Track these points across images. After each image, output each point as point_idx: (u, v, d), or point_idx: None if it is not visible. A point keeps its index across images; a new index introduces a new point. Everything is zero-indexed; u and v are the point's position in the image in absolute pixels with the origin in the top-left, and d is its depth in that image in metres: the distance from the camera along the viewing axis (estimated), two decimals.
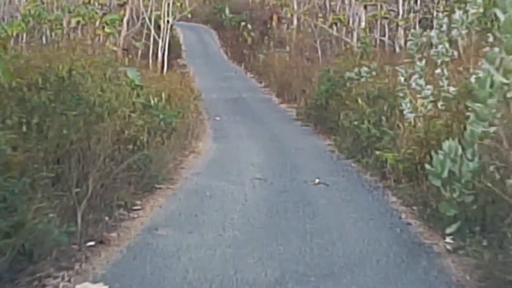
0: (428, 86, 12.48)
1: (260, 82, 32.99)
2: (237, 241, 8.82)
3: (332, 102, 21.04)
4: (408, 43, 13.94)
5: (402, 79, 13.32)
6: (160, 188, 12.24)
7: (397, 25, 33.57)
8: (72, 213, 8.48)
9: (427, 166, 7.76)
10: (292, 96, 28.09)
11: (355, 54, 29.47)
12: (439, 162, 7.46)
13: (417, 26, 30.89)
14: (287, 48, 35.18)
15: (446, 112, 11.79)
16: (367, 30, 32.60)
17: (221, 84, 32.81)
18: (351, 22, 34.18)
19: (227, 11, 45.68)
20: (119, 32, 24.32)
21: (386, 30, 34.09)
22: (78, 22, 22.59)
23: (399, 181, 12.40)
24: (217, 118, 24.06)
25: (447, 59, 12.56)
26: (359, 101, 15.77)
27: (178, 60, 38.20)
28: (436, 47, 12.82)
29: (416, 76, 12.93)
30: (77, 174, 8.61)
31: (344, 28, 34.55)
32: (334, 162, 16.03)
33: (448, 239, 8.46)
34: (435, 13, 29.89)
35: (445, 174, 7.43)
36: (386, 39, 32.05)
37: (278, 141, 19.54)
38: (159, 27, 27.88)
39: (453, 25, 13.04)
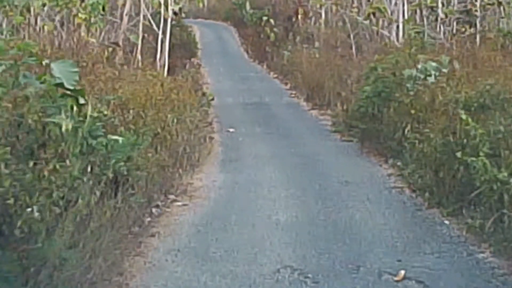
0: None
1: (285, 84, 25.79)
2: None
3: (387, 110, 14.04)
4: None
5: None
6: None
7: (436, 18, 26.54)
8: None
9: None
10: (325, 100, 20.98)
11: (398, 49, 22.73)
12: None
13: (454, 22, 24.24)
14: (316, 44, 28.07)
15: None
16: (410, 21, 25.54)
17: (240, 86, 25.72)
18: (389, 12, 27.25)
19: (247, 6, 39.06)
20: (106, 20, 17.34)
21: (425, 23, 27.23)
22: (44, 5, 15.74)
23: None
24: (231, 130, 17.08)
25: None
26: (463, 116, 8.62)
27: (193, 59, 31.33)
28: None
29: None
30: None
31: (380, 21, 27.53)
32: (412, 215, 8.99)
33: None
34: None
35: None
36: (425, 30, 24.92)
37: (314, 167, 12.56)
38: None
39: None
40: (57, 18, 16.72)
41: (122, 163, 6.47)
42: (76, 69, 7.15)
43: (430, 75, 13.60)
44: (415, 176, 10.72)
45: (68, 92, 6.96)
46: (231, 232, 7.93)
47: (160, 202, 9.05)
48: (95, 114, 6.38)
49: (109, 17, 19.12)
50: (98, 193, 5.71)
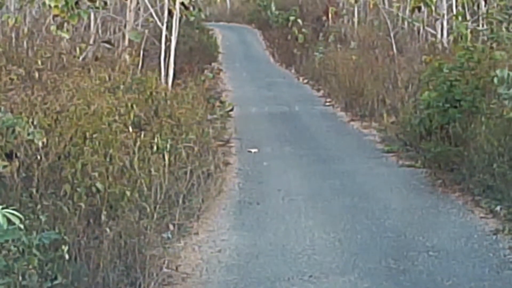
0: None
1: (318, 90, 20.91)
2: None
3: (473, 127, 9.25)
4: None
5: None
6: None
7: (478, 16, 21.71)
8: None
9: None
10: (367, 110, 16.17)
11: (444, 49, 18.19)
12: None
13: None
14: (352, 44, 23.26)
15: None
16: (460, 16, 20.68)
17: (265, 93, 20.93)
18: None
19: (273, 7, 34.60)
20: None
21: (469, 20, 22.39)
22: None
23: None
24: (253, 151, 12.32)
25: None
26: None
27: (213, 64, 26.69)
28: None
29: None
30: None
31: (424, 17, 22.71)
32: None
33: None
34: None
35: None
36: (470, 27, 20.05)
37: (376, 217, 7.76)
38: (169, 12, 16.06)
39: None
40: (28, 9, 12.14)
41: None
42: None
43: None
44: None
45: None
46: None
47: None
48: None
49: (103, 10, 14.49)
50: None
